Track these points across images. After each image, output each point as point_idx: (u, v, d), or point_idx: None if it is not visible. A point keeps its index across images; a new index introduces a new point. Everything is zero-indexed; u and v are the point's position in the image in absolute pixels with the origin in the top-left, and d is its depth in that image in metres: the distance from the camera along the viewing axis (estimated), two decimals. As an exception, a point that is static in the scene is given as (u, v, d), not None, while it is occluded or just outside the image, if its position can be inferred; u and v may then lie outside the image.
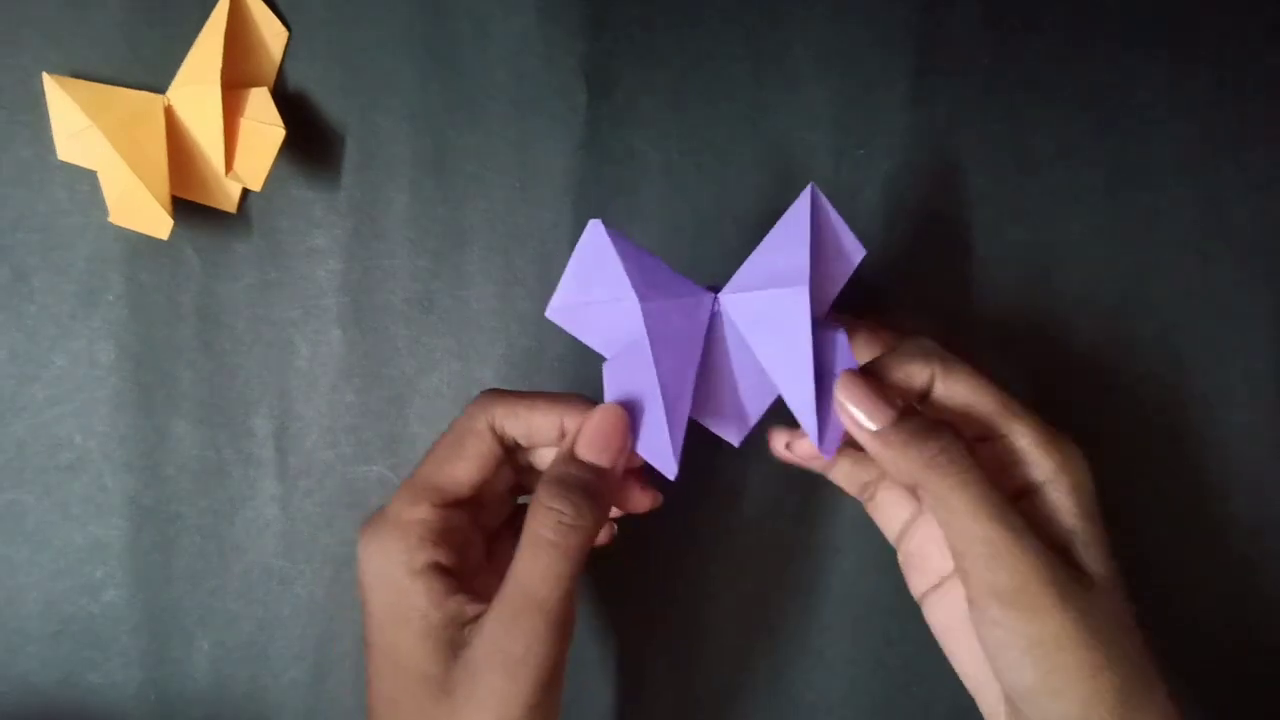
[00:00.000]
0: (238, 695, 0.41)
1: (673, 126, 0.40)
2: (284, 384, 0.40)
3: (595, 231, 0.31)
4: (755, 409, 0.33)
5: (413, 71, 0.40)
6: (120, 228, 0.38)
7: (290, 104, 0.39)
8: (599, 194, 0.40)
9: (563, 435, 0.32)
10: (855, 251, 0.32)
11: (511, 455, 0.34)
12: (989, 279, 0.40)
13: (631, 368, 0.31)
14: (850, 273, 0.33)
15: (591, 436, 0.31)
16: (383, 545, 0.32)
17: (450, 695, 0.29)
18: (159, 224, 0.37)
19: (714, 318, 0.32)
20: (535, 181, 0.40)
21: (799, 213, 0.31)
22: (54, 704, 0.41)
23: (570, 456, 0.31)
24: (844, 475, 0.36)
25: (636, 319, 0.30)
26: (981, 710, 0.33)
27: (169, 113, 0.38)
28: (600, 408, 0.31)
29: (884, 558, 0.40)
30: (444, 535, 0.32)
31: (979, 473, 0.29)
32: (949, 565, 0.33)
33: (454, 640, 0.30)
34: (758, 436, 0.33)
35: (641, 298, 0.30)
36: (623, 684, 0.41)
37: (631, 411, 0.31)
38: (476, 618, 0.30)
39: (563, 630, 0.30)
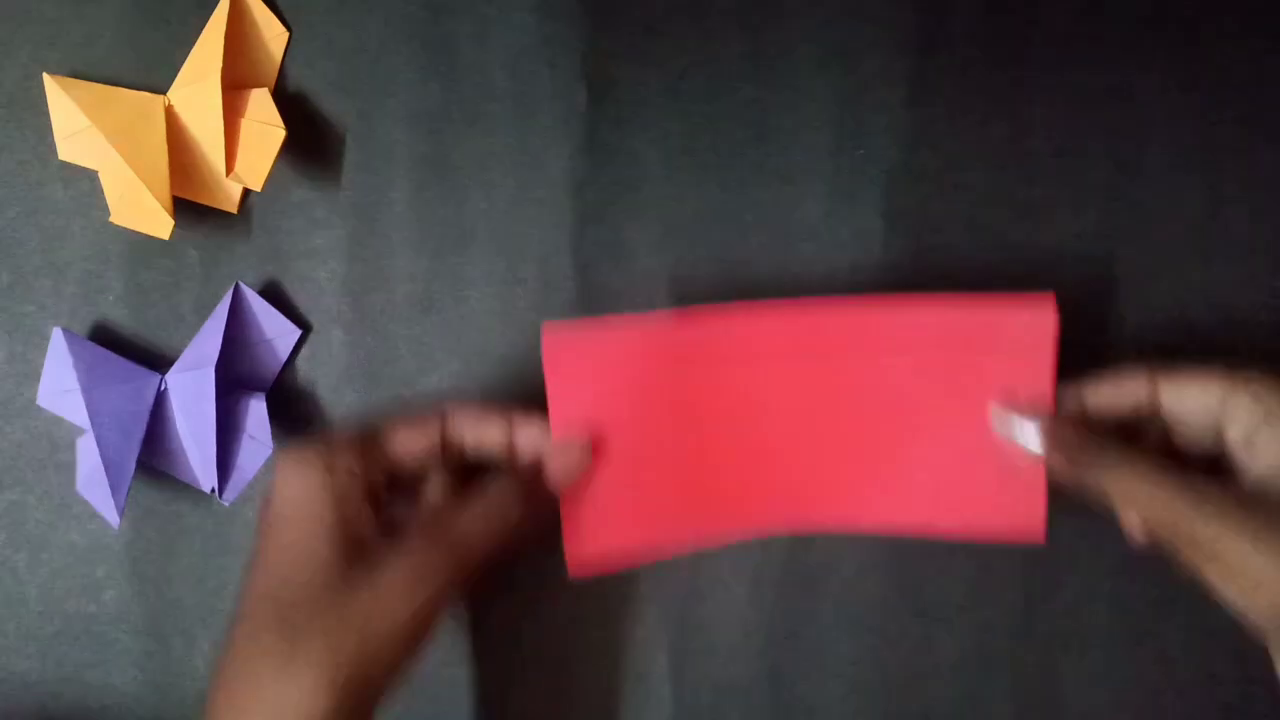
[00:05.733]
0: (238, 695, 0.41)
1: (673, 126, 0.40)
2: (284, 383, 0.40)
3: (58, 337, 0.39)
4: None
5: (413, 71, 0.40)
6: (120, 228, 0.38)
7: (290, 104, 0.39)
8: (599, 194, 0.40)
9: (511, 448, 0.37)
10: (290, 333, 0.39)
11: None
12: (990, 279, 0.40)
13: (91, 441, 0.38)
14: (291, 348, 0.39)
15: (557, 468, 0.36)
16: (310, 456, 0.34)
17: (350, 586, 0.31)
18: (160, 224, 0.37)
19: (165, 393, 0.39)
20: (535, 181, 0.40)
21: (223, 306, 0.39)
22: (54, 704, 0.41)
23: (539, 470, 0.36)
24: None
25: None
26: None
27: (169, 113, 0.38)
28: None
29: (884, 557, 0.40)
30: (366, 472, 0.34)
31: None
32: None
33: (361, 544, 0.33)
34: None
35: (83, 388, 0.37)
36: (624, 682, 0.41)
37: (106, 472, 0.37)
38: (384, 534, 0.33)
39: (457, 587, 0.33)
